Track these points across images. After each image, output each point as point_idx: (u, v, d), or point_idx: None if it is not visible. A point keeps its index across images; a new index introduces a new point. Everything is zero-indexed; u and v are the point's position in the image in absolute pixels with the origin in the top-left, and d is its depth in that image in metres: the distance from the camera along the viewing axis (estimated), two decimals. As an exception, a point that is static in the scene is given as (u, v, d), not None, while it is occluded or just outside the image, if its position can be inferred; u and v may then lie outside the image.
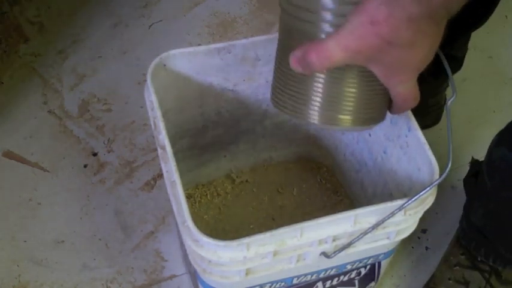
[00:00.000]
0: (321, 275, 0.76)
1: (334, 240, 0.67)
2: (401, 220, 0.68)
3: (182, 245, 0.80)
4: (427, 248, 1.00)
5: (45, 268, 0.96)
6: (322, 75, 0.64)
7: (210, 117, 0.88)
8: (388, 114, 0.77)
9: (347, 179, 0.97)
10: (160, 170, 0.79)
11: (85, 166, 1.07)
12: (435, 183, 0.64)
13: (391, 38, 0.55)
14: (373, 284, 0.85)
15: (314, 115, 0.67)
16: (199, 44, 1.21)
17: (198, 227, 0.62)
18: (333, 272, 0.77)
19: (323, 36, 0.60)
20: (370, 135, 0.84)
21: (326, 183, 1.01)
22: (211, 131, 0.90)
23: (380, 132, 0.81)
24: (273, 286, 0.74)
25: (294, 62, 0.60)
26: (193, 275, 0.77)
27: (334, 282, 0.80)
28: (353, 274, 0.80)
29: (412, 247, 1.00)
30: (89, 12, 1.29)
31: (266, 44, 0.79)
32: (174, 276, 0.96)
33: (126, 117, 1.13)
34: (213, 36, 1.25)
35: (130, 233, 1.00)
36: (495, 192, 0.80)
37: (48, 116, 1.13)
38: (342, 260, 0.74)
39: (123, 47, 1.23)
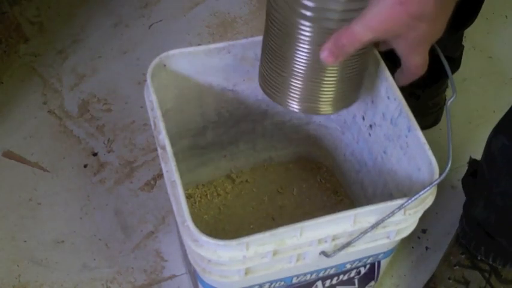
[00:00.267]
0: (321, 274, 0.76)
1: (333, 239, 0.67)
2: (401, 220, 0.68)
3: (182, 245, 0.80)
4: (427, 248, 1.00)
5: (45, 268, 0.96)
6: (303, 66, 0.67)
7: (210, 117, 0.88)
8: (388, 115, 0.77)
9: (347, 179, 0.97)
10: (160, 170, 0.79)
11: (85, 166, 1.07)
12: (435, 183, 0.64)
13: (420, 14, 0.59)
14: (372, 283, 0.85)
15: (294, 103, 0.71)
16: (199, 44, 1.21)
17: (198, 227, 0.63)
18: (332, 271, 0.77)
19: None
20: (370, 135, 0.84)
21: (326, 183, 1.01)
22: (211, 131, 0.90)
23: (380, 132, 0.81)
24: (272, 285, 0.74)
25: (325, 54, 0.63)
26: (193, 275, 0.77)
27: (334, 281, 0.80)
28: (353, 273, 0.80)
29: (412, 247, 1.00)
30: (89, 12, 1.29)
31: (266, 44, 0.79)
32: (174, 276, 0.96)
33: (126, 117, 1.13)
34: (213, 36, 1.25)
35: (130, 233, 1.00)
36: (495, 182, 0.80)
37: (48, 116, 1.13)
38: (341, 259, 0.74)
39: (123, 47, 1.23)
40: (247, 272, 0.68)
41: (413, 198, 0.64)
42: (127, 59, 1.22)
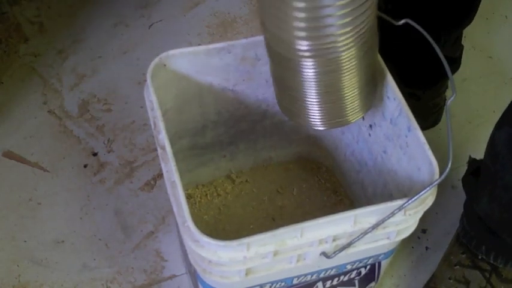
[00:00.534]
0: (321, 275, 0.76)
1: (334, 240, 0.67)
2: (401, 220, 0.68)
3: (182, 245, 0.80)
4: (427, 248, 1.00)
5: (45, 268, 0.96)
6: (314, 86, 0.67)
7: (210, 117, 0.88)
8: (388, 114, 0.77)
9: (347, 179, 0.97)
10: (160, 170, 0.79)
11: (85, 166, 1.07)
12: (435, 183, 0.64)
13: None
14: (373, 284, 0.85)
15: (316, 123, 0.71)
16: (199, 44, 1.21)
17: (198, 227, 0.63)
18: (333, 272, 0.77)
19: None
20: (370, 135, 0.84)
21: (326, 183, 1.01)
22: (211, 131, 0.90)
23: (380, 132, 0.81)
24: (273, 286, 0.74)
25: None
26: (193, 275, 0.77)
27: (334, 282, 0.80)
28: (353, 274, 0.80)
29: (412, 247, 1.00)
30: (89, 12, 1.29)
31: (266, 44, 0.79)
32: (174, 276, 0.96)
33: (126, 117, 1.13)
34: (213, 36, 1.25)
35: (130, 233, 1.00)
36: (499, 176, 0.80)
37: (48, 116, 1.13)
38: (342, 260, 0.74)
39: (123, 47, 1.23)
40: (247, 272, 0.68)
41: (413, 199, 0.64)
42: (127, 59, 1.22)
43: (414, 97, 1.04)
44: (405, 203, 0.65)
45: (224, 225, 0.97)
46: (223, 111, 0.88)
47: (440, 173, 0.65)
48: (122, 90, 1.17)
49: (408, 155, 0.75)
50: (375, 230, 0.66)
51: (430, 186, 0.64)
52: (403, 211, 0.67)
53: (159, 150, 0.70)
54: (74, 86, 1.17)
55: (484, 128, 1.09)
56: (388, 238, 0.72)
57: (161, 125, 0.70)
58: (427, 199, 0.69)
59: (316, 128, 0.73)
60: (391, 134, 0.78)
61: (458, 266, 0.90)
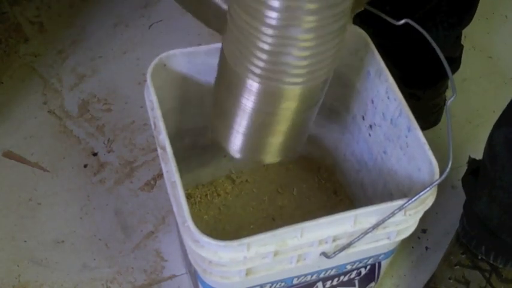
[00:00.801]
0: (321, 275, 0.76)
1: (334, 240, 0.67)
2: (401, 220, 0.68)
3: (182, 245, 0.80)
4: (427, 248, 1.00)
5: (45, 268, 0.96)
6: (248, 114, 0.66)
7: (210, 117, 0.88)
8: (388, 115, 0.77)
9: (347, 179, 0.97)
10: (160, 170, 0.79)
11: (85, 166, 1.07)
12: (435, 183, 0.64)
13: None
14: (373, 284, 0.85)
15: (236, 150, 0.72)
16: (199, 44, 1.20)
17: (198, 227, 0.63)
18: (333, 272, 0.77)
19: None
20: (370, 135, 0.84)
21: (326, 183, 1.01)
22: (211, 131, 0.90)
23: (380, 132, 0.81)
24: (273, 286, 0.74)
25: None
26: (194, 275, 0.77)
27: (334, 282, 0.80)
28: (353, 274, 0.80)
29: (412, 247, 1.00)
30: (89, 12, 1.29)
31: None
32: (174, 276, 0.96)
33: (126, 117, 1.13)
34: (213, 36, 1.25)
35: (130, 233, 1.00)
36: (498, 177, 0.80)
37: (48, 116, 1.13)
38: (342, 260, 0.74)
39: (123, 47, 1.23)
40: (248, 272, 0.68)
41: (413, 199, 0.64)
42: (127, 59, 1.22)
43: (414, 97, 1.04)
44: (405, 203, 0.65)
45: (224, 225, 0.97)
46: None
47: (441, 173, 0.65)
48: (122, 90, 1.17)
49: (408, 155, 0.75)
50: (375, 230, 0.66)
51: (430, 186, 0.64)
52: (403, 211, 0.67)
53: (159, 151, 0.70)
54: (74, 86, 1.17)
55: (484, 128, 1.09)
56: (388, 238, 0.72)
57: (161, 125, 0.70)
58: (427, 199, 0.69)
59: (233, 155, 0.73)
60: (391, 134, 0.78)
61: (458, 266, 0.90)
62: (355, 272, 0.79)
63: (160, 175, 1.05)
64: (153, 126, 0.72)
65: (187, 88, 0.81)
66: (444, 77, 1.06)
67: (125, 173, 1.06)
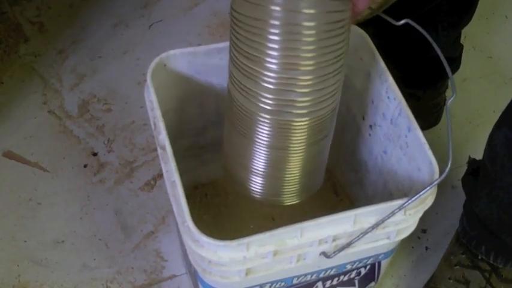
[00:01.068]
0: (321, 275, 0.76)
1: (334, 240, 0.67)
2: (401, 220, 0.68)
3: (182, 245, 0.80)
4: (427, 248, 1.00)
5: (45, 268, 0.96)
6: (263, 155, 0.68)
7: (210, 117, 0.88)
8: (388, 115, 0.77)
9: (347, 179, 0.97)
10: (160, 170, 0.79)
11: (85, 166, 1.07)
12: (435, 183, 0.64)
13: None
14: (373, 284, 0.85)
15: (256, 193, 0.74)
16: (199, 44, 1.20)
17: (198, 227, 0.63)
18: (332, 272, 0.77)
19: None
20: (370, 135, 0.84)
21: (326, 183, 1.01)
22: (211, 131, 0.90)
23: (380, 132, 0.81)
24: (273, 286, 0.74)
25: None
26: (193, 275, 0.77)
27: (334, 282, 0.80)
28: (353, 274, 0.80)
29: (412, 247, 1.00)
30: (89, 12, 1.29)
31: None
32: (174, 276, 0.96)
33: (126, 117, 1.13)
34: (213, 36, 1.25)
35: (130, 233, 1.00)
36: (498, 177, 0.80)
37: (48, 116, 1.13)
38: (341, 260, 0.74)
39: (123, 47, 1.23)
40: (247, 272, 0.68)
41: (413, 199, 0.64)
42: (127, 59, 1.22)
43: (414, 97, 1.04)
44: (405, 202, 0.65)
45: (224, 225, 0.97)
46: (223, 111, 0.87)
47: (440, 173, 0.65)
48: (122, 90, 1.17)
49: (408, 155, 0.75)
50: (374, 229, 0.66)
51: (430, 186, 0.64)
52: (403, 211, 0.66)
53: (159, 150, 0.70)
54: (74, 86, 1.17)
55: (484, 128, 1.09)
56: (388, 238, 0.72)
57: (161, 125, 0.70)
58: (427, 199, 0.69)
59: (253, 197, 0.75)
60: (391, 134, 0.78)
61: (458, 266, 0.90)
62: (355, 271, 0.79)
63: (160, 175, 1.05)
64: (153, 126, 0.72)
65: (187, 88, 0.81)
66: (444, 77, 1.06)
67: (125, 173, 1.06)
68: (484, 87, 1.20)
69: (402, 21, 0.69)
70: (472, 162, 0.90)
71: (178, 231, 0.77)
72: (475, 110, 1.16)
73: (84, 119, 1.13)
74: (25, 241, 0.99)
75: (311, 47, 0.59)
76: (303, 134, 0.66)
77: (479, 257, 0.89)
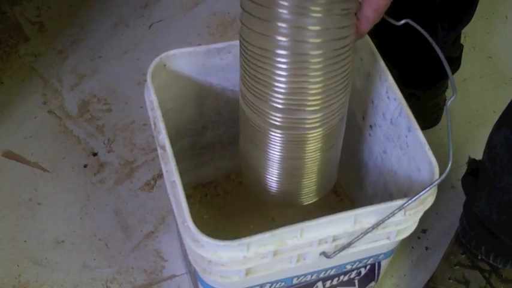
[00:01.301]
0: (321, 275, 0.76)
1: (334, 240, 0.67)
2: (401, 220, 0.68)
3: (182, 245, 0.80)
4: (427, 248, 1.00)
5: (45, 268, 0.96)
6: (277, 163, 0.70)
7: (210, 117, 0.88)
8: (388, 115, 0.77)
9: (347, 179, 0.97)
10: (160, 170, 0.79)
11: (85, 166, 1.07)
12: (435, 183, 0.64)
13: None
14: (373, 284, 0.85)
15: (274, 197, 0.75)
16: (199, 44, 1.20)
17: (198, 227, 0.63)
18: (332, 272, 0.77)
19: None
20: (370, 135, 0.84)
21: (326, 183, 1.01)
22: (211, 131, 0.90)
23: (380, 132, 0.81)
24: (273, 286, 0.74)
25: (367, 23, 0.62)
26: (193, 275, 0.77)
27: (334, 282, 0.80)
28: (353, 274, 0.80)
29: (412, 247, 1.00)
30: (89, 12, 1.29)
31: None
32: (174, 276, 0.96)
33: (126, 117, 1.13)
34: (213, 36, 1.25)
35: (130, 233, 1.00)
36: (498, 178, 0.80)
37: (48, 116, 1.13)
38: (341, 260, 0.74)
39: (123, 47, 1.23)
40: (247, 272, 0.68)
41: (413, 199, 0.64)
42: (127, 59, 1.22)
43: (414, 97, 1.04)
44: (405, 203, 0.65)
45: (224, 225, 0.97)
46: (224, 111, 0.88)
47: (440, 173, 0.65)
48: (122, 90, 1.17)
49: (408, 155, 0.75)
50: (375, 230, 0.66)
51: (430, 186, 0.64)
52: (403, 211, 0.66)
53: (159, 150, 0.70)
54: (74, 86, 1.17)
55: (484, 128, 1.10)
56: (388, 238, 0.72)
57: (161, 125, 0.70)
58: (427, 199, 0.69)
59: (271, 201, 0.77)
60: (391, 134, 0.78)
61: (458, 266, 0.90)
62: (355, 271, 0.79)
63: (160, 175, 1.05)
64: (153, 126, 0.72)
65: (187, 88, 0.81)
66: (444, 77, 1.06)
67: (125, 173, 1.06)
68: (484, 87, 1.20)
69: (402, 21, 0.69)
70: (471, 162, 0.90)
71: (178, 231, 0.77)
72: (475, 110, 1.16)
73: (84, 119, 1.13)
74: (25, 241, 0.99)
75: (318, 73, 0.61)
76: (315, 143, 0.68)
77: (479, 257, 0.89)
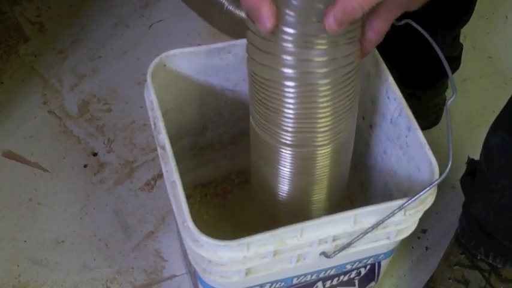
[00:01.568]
0: (321, 275, 0.76)
1: (334, 240, 0.67)
2: (401, 220, 0.68)
3: (182, 245, 0.80)
4: (427, 248, 1.00)
5: (45, 268, 0.96)
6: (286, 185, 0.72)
7: (210, 117, 0.88)
8: (388, 115, 0.77)
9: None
10: (160, 170, 0.79)
11: (85, 166, 1.07)
12: (435, 183, 0.64)
13: None
14: (373, 284, 0.85)
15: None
16: (199, 44, 1.20)
17: (198, 227, 0.62)
18: (332, 272, 0.77)
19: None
20: (370, 135, 0.84)
21: (326, 183, 1.01)
22: (211, 131, 0.90)
23: (380, 132, 0.81)
24: (273, 286, 0.74)
25: (331, 22, 0.57)
26: (193, 275, 0.77)
27: (334, 282, 0.80)
28: (353, 274, 0.80)
29: (412, 247, 1.00)
30: (89, 12, 1.29)
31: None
32: (174, 276, 0.96)
33: (126, 117, 1.13)
34: (213, 36, 1.25)
35: (130, 233, 1.00)
36: (494, 180, 0.80)
37: (48, 116, 1.13)
38: (341, 260, 0.74)
39: (123, 47, 1.23)
40: (247, 272, 0.68)
41: (413, 199, 0.64)
42: (127, 59, 1.22)
43: (414, 97, 1.04)
44: (405, 203, 0.65)
45: (224, 225, 0.97)
46: (224, 112, 0.88)
47: (440, 173, 0.65)
48: (122, 90, 1.17)
49: (408, 155, 0.75)
50: (374, 230, 0.66)
51: (430, 186, 0.64)
52: (403, 211, 0.66)
53: (159, 150, 0.70)
54: (74, 86, 1.17)
55: (483, 128, 1.09)
56: (388, 238, 0.72)
57: (161, 125, 0.70)
58: (427, 199, 0.69)
59: (284, 217, 0.77)
60: (391, 134, 0.78)
61: (457, 266, 0.90)
62: (355, 271, 0.79)
63: (160, 175, 1.05)
64: (153, 126, 0.72)
65: (187, 88, 0.81)
66: (444, 77, 1.06)
67: (125, 173, 1.06)
68: (484, 87, 1.20)
69: (402, 22, 0.69)
70: (470, 162, 0.90)
71: (178, 231, 0.77)
72: (475, 110, 1.16)
73: (84, 119, 1.13)
74: (25, 241, 0.99)
75: (326, 98, 0.62)
76: (325, 160, 0.69)
77: (479, 257, 0.89)
